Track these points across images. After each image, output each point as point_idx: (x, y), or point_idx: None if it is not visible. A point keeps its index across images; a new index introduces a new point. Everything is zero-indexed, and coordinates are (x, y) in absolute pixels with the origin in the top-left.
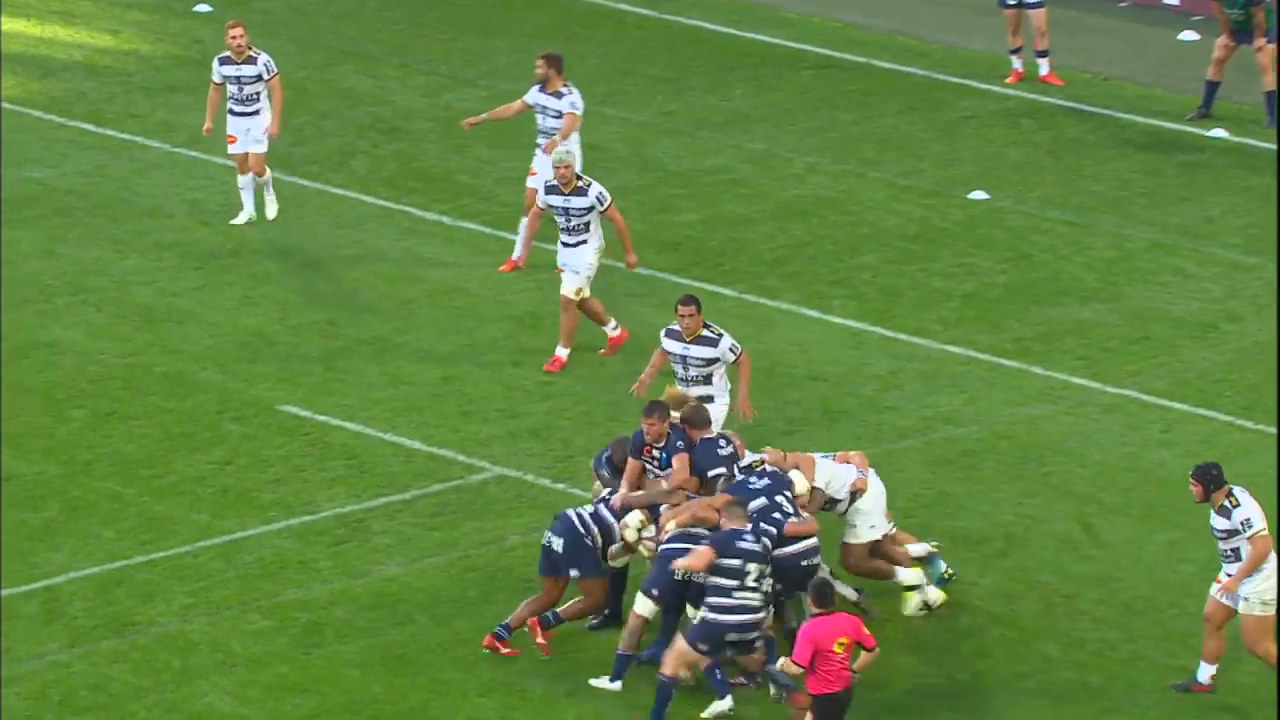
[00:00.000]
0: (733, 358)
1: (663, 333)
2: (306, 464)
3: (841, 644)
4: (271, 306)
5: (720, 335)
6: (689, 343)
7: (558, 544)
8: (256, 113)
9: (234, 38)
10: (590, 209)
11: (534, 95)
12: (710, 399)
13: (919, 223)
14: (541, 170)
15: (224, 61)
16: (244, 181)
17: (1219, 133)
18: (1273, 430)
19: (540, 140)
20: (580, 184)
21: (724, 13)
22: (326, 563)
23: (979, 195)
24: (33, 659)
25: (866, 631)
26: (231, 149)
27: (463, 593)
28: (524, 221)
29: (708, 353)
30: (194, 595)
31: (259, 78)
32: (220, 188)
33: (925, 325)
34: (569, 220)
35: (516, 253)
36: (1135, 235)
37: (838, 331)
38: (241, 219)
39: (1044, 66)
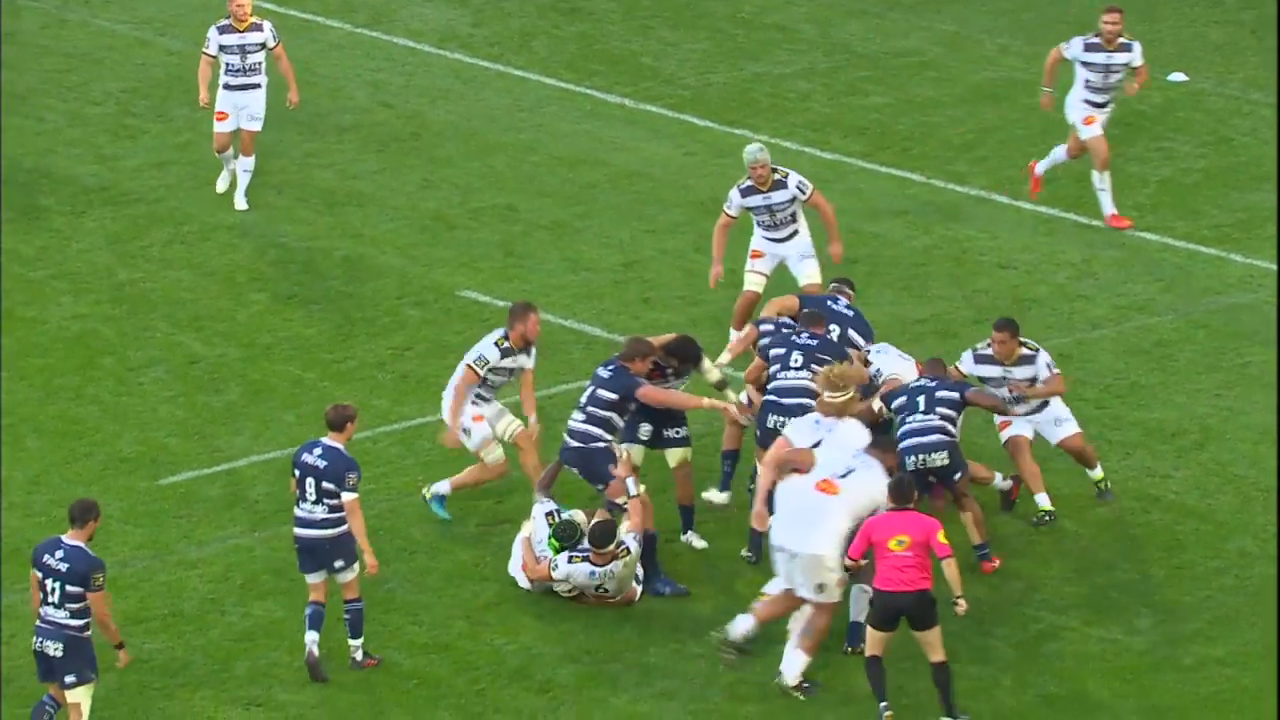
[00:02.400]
0: (1048, 373)
1: (970, 357)
2: None
3: (901, 541)
4: (451, 190)
5: (1037, 350)
6: (1010, 365)
7: None
8: (257, 86)
9: (240, 4)
10: (793, 200)
11: (1083, 51)
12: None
13: (1116, 106)
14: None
15: (225, 30)
16: (226, 156)
17: None
18: None
19: (1094, 98)
20: (777, 177)
21: None
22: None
23: (1178, 77)
24: (215, 542)
25: (941, 539)
26: (221, 127)
27: (642, 480)
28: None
29: (1028, 372)
30: (374, 481)
31: (263, 46)
32: (401, 69)
33: (1121, 211)
34: (773, 217)
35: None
36: None
37: (1029, 218)
38: (222, 184)
39: None
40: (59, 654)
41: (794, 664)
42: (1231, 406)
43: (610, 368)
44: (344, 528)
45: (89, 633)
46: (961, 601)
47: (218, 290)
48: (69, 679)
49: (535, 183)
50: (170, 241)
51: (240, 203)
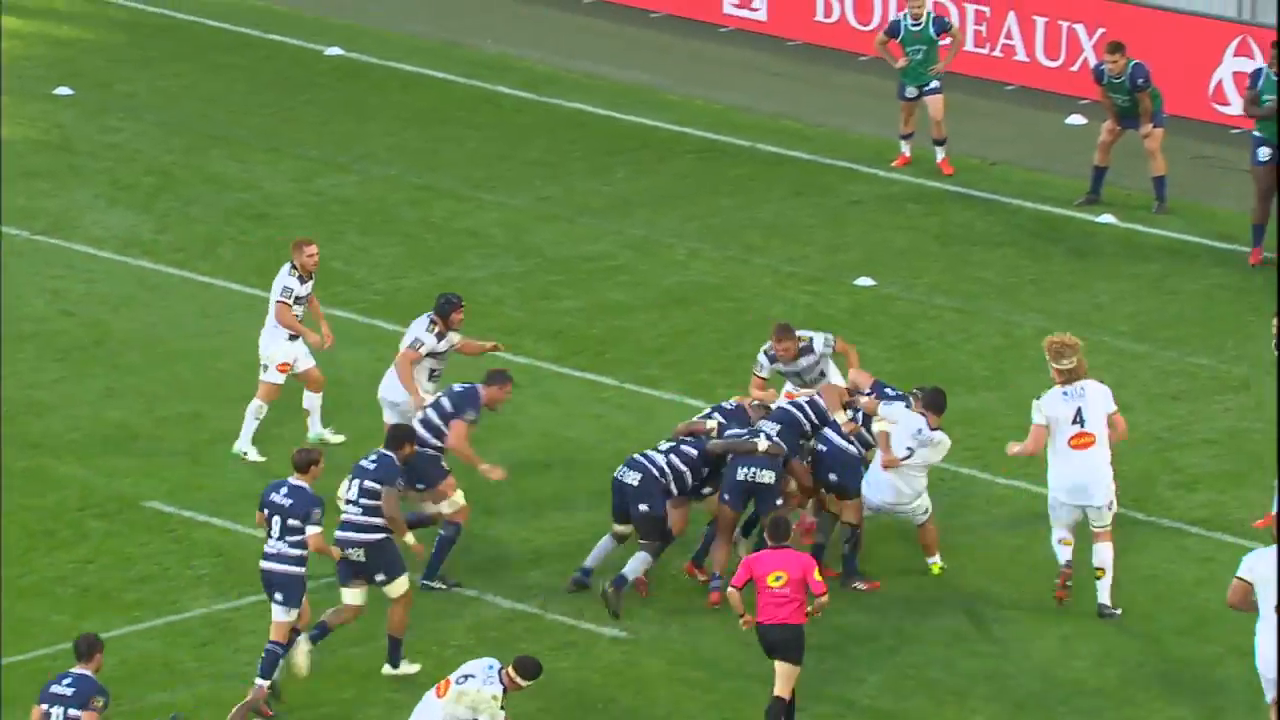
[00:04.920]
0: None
1: (764, 359)
2: (171, 562)
3: (779, 578)
4: (136, 398)
5: (811, 337)
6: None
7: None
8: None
9: (311, 255)
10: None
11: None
12: None
13: (805, 310)
14: None
15: (303, 280)
16: (261, 410)
17: (1107, 218)
18: (1164, 521)
19: None
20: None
21: (604, 95)
22: (192, 664)
23: (865, 282)
24: None
25: (816, 576)
26: (278, 378)
27: (335, 694)
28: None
29: (810, 360)
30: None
31: (309, 293)
32: (82, 276)
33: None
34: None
35: None
36: (1024, 323)
37: None
38: (253, 451)
39: (940, 153)
40: None
41: None
42: (923, 610)
43: (462, 388)
44: (301, 568)
45: None
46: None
47: None
48: None
49: (223, 390)
50: None
51: (332, 436)
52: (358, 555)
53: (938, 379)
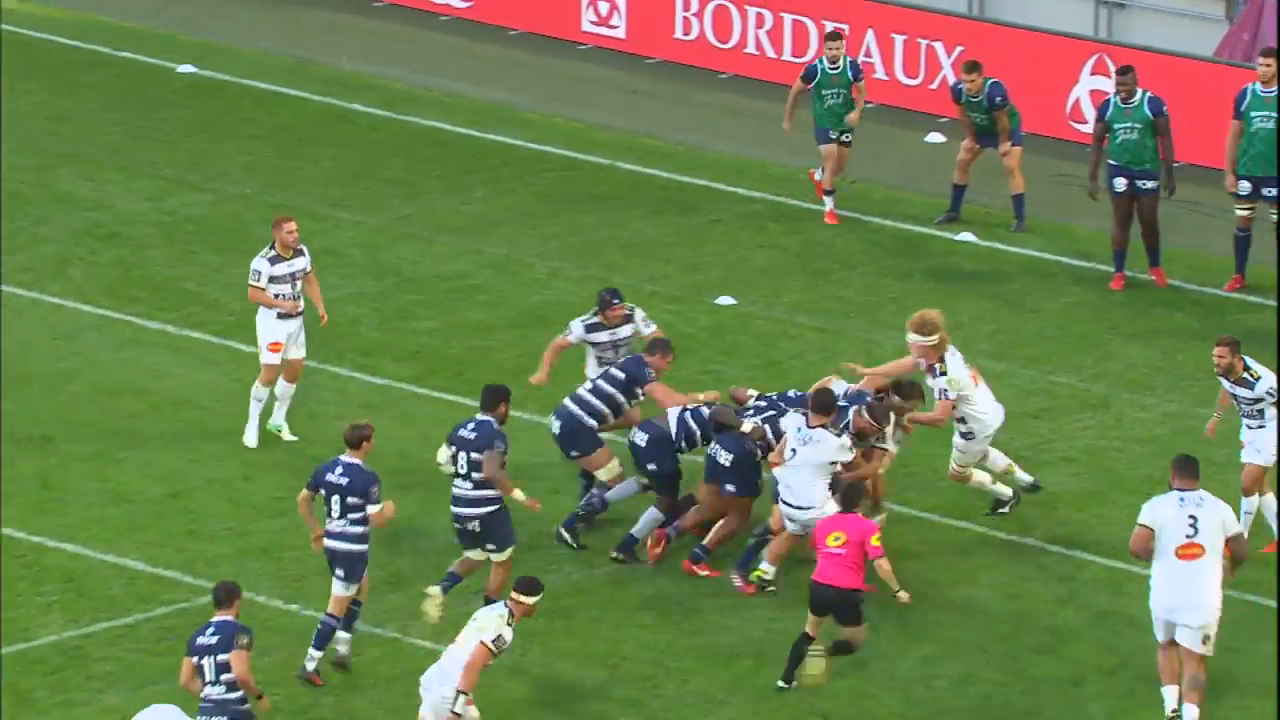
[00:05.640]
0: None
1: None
2: (21, 588)
3: (837, 538)
4: None
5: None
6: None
7: (725, 458)
8: (302, 313)
9: (290, 232)
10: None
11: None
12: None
13: (665, 328)
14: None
15: (276, 260)
16: (261, 393)
17: (967, 236)
18: (1025, 540)
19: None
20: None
21: (463, 113)
22: (42, 693)
23: (726, 300)
24: None
25: (874, 542)
26: (273, 359)
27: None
28: None
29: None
30: None
31: (305, 270)
32: None
33: None
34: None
35: None
36: (884, 341)
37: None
38: (253, 437)
39: (829, 203)
40: None
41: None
42: (785, 630)
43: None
44: (363, 545)
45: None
46: (901, 594)
47: None
48: None
49: (73, 412)
50: None
51: (286, 434)
52: (474, 527)
53: None
